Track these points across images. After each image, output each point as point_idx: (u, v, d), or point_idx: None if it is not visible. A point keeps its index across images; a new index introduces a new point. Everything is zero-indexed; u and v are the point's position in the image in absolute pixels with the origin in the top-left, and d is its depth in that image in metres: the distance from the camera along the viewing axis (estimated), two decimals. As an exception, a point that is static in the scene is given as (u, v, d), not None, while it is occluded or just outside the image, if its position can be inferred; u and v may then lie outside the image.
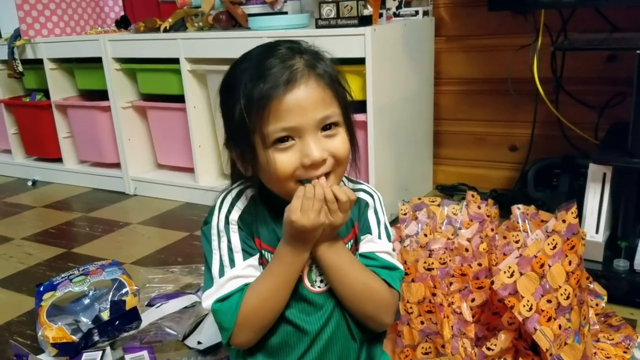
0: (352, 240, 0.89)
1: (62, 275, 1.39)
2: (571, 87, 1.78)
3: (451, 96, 2.10)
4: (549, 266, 1.00)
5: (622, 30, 1.62)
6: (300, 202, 0.76)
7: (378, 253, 0.88)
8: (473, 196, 1.30)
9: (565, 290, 1.00)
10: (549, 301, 0.98)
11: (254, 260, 0.84)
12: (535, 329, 0.96)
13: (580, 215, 1.26)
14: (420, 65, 1.98)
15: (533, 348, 1.01)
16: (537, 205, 1.27)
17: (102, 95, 2.33)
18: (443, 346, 1.02)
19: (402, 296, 1.04)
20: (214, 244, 0.84)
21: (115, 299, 1.30)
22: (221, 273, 0.83)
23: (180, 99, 2.12)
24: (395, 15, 1.96)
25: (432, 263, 1.07)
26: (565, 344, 0.97)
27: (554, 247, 1.01)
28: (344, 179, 0.90)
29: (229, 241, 0.84)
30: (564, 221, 1.04)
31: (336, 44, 1.66)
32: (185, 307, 1.37)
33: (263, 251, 0.85)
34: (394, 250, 0.91)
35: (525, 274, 0.99)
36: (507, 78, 1.87)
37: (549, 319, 0.97)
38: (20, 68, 2.47)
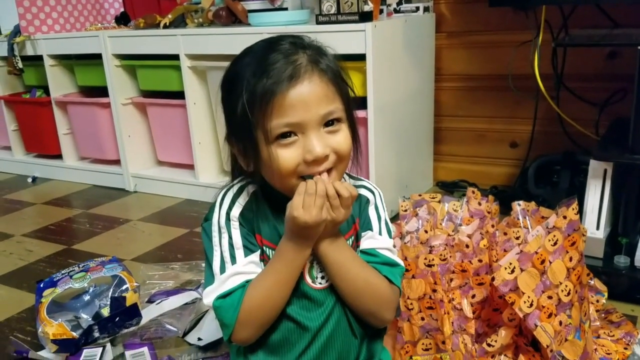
0: (353, 237, 0.89)
1: (62, 272, 1.39)
2: (572, 83, 1.78)
3: (452, 92, 2.10)
4: (550, 262, 1.00)
5: (623, 27, 1.62)
6: (302, 199, 0.76)
7: (379, 249, 0.88)
8: (473, 192, 1.31)
9: (566, 286, 1.00)
10: (550, 297, 0.98)
11: (255, 256, 0.84)
12: (536, 325, 0.96)
13: (580, 211, 1.27)
14: (421, 61, 1.97)
15: (534, 344, 1.01)
16: (538, 202, 1.27)
17: (102, 91, 2.33)
18: (443, 342, 1.02)
19: (403, 292, 1.04)
20: (215, 240, 0.84)
21: (116, 295, 1.30)
22: (222, 270, 0.82)
23: (180, 95, 2.12)
24: (396, 11, 1.96)
25: (433, 259, 1.07)
26: (566, 340, 0.97)
27: (555, 244, 1.01)
28: (344, 175, 0.90)
29: (230, 238, 0.83)
30: (564, 217, 1.04)
31: (336, 40, 1.62)
32: (186, 304, 1.37)
33: (264, 247, 0.85)
34: (394, 246, 0.91)
35: (525, 270, 0.99)
36: (508, 74, 1.87)
37: (550, 315, 0.97)
38: (20, 64, 2.47)
